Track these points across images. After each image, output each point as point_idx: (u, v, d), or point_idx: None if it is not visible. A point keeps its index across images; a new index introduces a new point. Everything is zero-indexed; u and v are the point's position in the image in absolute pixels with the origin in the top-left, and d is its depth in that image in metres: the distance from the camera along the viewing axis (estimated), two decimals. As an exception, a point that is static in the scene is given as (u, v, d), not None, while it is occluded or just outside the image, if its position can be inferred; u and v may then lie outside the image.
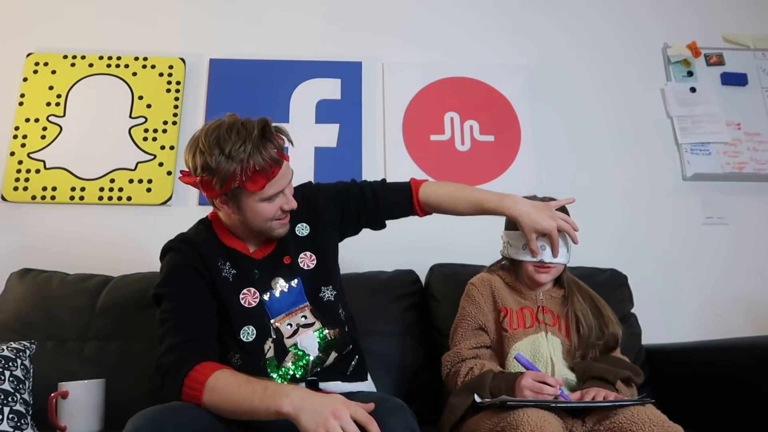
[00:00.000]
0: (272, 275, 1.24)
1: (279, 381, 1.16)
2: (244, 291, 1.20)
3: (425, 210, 1.44)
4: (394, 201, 1.43)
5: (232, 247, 1.24)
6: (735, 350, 1.54)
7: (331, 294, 1.28)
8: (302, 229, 1.33)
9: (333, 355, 1.22)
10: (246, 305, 1.19)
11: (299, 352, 1.18)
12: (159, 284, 1.18)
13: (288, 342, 1.19)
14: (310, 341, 1.20)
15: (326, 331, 1.22)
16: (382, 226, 1.46)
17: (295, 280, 1.25)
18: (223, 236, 1.26)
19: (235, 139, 1.11)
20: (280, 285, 1.24)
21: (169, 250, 1.24)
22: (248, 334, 1.17)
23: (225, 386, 0.99)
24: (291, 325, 1.21)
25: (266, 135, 1.14)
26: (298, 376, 1.18)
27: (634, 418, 1.08)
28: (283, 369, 1.17)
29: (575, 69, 2.30)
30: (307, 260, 1.29)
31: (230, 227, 1.26)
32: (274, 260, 1.26)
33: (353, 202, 1.39)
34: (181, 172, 1.22)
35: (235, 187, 1.13)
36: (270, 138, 1.14)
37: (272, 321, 1.20)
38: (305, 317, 1.22)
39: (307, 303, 1.24)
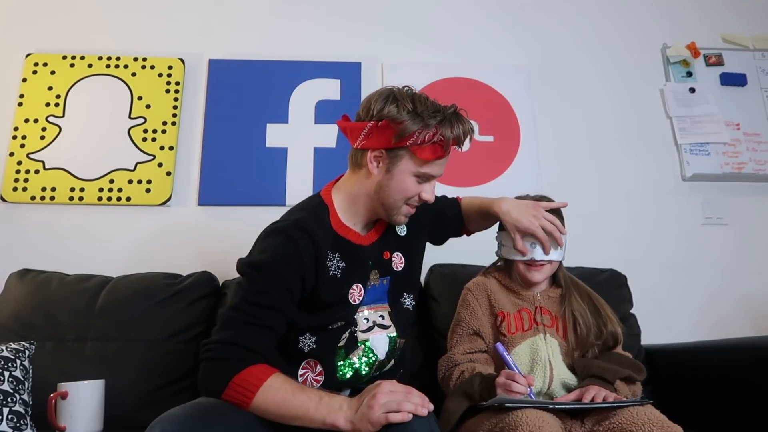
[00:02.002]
0: (373, 266, 1.22)
1: (342, 370, 1.16)
2: (353, 287, 1.17)
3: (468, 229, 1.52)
4: (455, 218, 1.48)
5: (343, 236, 1.18)
6: (734, 351, 1.54)
7: (410, 303, 1.29)
8: (401, 229, 1.31)
9: (391, 363, 1.24)
10: (352, 302, 1.17)
11: (368, 350, 1.19)
12: (257, 266, 1.09)
13: (360, 336, 1.18)
14: (381, 343, 1.20)
15: (398, 339, 1.23)
16: (442, 243, 1.51)
17: (386, 279, 1.24)
18: (335, 224, 1.18)
19: (430, 105, 1.14)
20: (373, 278, 1.22)
21: (283, 234, 1.12)
22: (338, 324, 1.16)
23: (279, 391, 0.99)
24: (368, 320, 1.20)
25: (459, 117, 1.15)
26: (363, 373, 1.18)
27: (633, 419, 1.08)
28: (348, 360, 1.17)
29: (574, 69, 2.30)
30: (397, 261, 1.27)
31: (350, 200, 1.20)
32: (378, 250, 1.23)
33: (439, 213, 1.43)
34: (343, 117, 1.21)
35: (403, 148, 1.12)
36: (461, 121, 1.15)
37: (357, 311, 1.19)
38: (383, 317, 1.23)
39: (387, 305, 1.24)
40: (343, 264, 1.16)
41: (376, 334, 1.20)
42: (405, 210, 1.19)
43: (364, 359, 1.18)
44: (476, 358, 1.36)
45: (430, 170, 1.16)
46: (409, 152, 1.13)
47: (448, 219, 1.47)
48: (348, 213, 1.21)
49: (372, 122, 1.13)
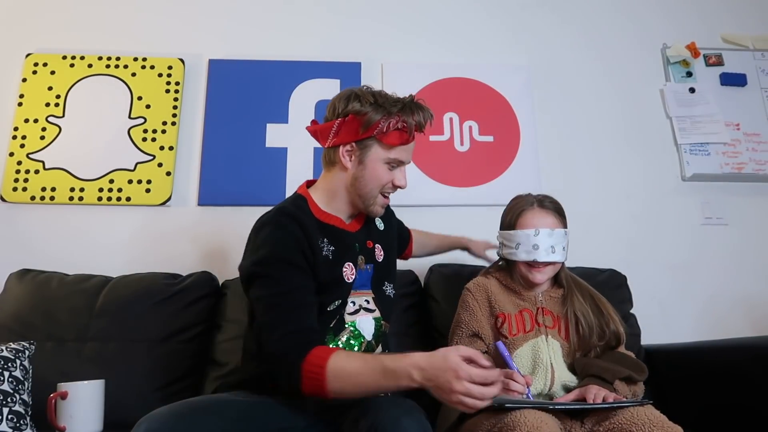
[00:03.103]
0: (360, 251, 1.28)
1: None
2: (346, 265, 1.23)
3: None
4: (405, 241, 1.61)
5: (327, 222, 1.24)
6: (734, 351, 1.54)
7: (391, 292, 1.34)
8: (380, 224, 1.39)
9: (379, 348, 1.27)
10: (347, 280, 1.22)
11: (355, 331, 1.22)
12: (261, 262, 1.13)
13: (347, 318, 1.22)
14: (367, 325, 1.25)
15: (383, 321, 1.28)
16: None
17: (370, 266, 1.30)
18: (316, 212, 1.24)
19: (389, 97, 1.23)
20: (360, 262, 1.27)
21: (271, 224, 1.18)
22: (334, 304, 1.20)
23: (345, 368, 0.99)
24: (354, 303, 1.24)
25: (418, 105, 1.24)
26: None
27: (633, 419, 1.08)
28: (336, 341, 1.19)
29: (574, 69, 2.30)
30: (378, 252, 1.33)
31: (329, 196, 1.26)
32: (363, 237, 1.30)
33: (399, 230, 1.53)
34: (312, 122, 1.29)
35: (370, 138, 1.20)
36: (421, 108, 1.23)
37: (351, 292, 1.24)
38: (368, 302, 1.27)
39: (371, 291, 1.29)
40: (332, 247, 1.21)
41: (362, 317, 1.24)
42: (381, 200, 1.27)
43: (352, 341, 1.21)
44: None
45: (398, 155, 1.23)
46: (376, 140, 1.21)
47: (401, 239, 1.56)
48: (329, 207, 1.27)
49: (339, 119, 1.21)
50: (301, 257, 1.14)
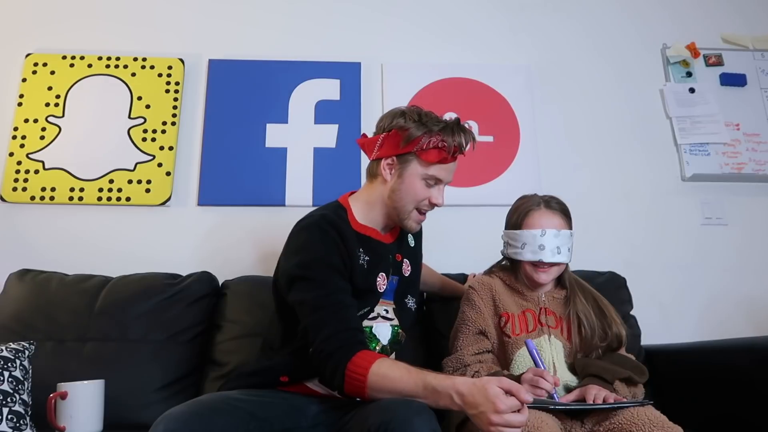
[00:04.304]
0: (392, 262, 1.32)
1: None
2: (379, 275, 1.27)
3: None
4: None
5: (364, 233, 1.28)
6: (734, 351, 1.54)
7: (413, 304, 1.38)
8: (411, 241, 1.44)
9: (393, 355, 1.30)
10: (379, 290, 1.27)
11: (371, 336, 1.26)
12: (304, 264, 1.17)
13: (365, 323, 1.26)
14: (384, 331, 1.28)
15: (400, 330, 1.31)
16: None
17: (395, 278, 1.34)
18: (354, 224, 1.28)
19: (434, 117, 1.28)
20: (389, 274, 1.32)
21: (313, 228, 1.22)
22: (362, 311, 1.23)
23: (388, 375, 1.01)
24: (372, 310, 1.28)
25: (461, 127, 1.28)
26: None
27: (633, 419, 1.08)
28: None
29: (574, 69, 2.30)
30: (406, 267, 1.37)
31: (367, 207, 1.31)
32: (393, 250, 1.34)
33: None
34: (362, 135, 1.36)
35: (411, 153, 1.25)
36: (463, 130, 1.27)
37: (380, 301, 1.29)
38: (387, 311, 1.31)
39: (393, 301, 1.33)
40: (367, 257, 1.25)
41: (379, 323, 1.27)
42: (415, 216, 1.30)
43: (369, 344, 1.22)
44: (484, 359, 1.36)
45: (436, 173, 1.26)
46: (416, 156, 1.25)
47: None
48: (366, 218, 1.31)
49: (384, 134, 1.28)
50: (340, 261, 1.18)
